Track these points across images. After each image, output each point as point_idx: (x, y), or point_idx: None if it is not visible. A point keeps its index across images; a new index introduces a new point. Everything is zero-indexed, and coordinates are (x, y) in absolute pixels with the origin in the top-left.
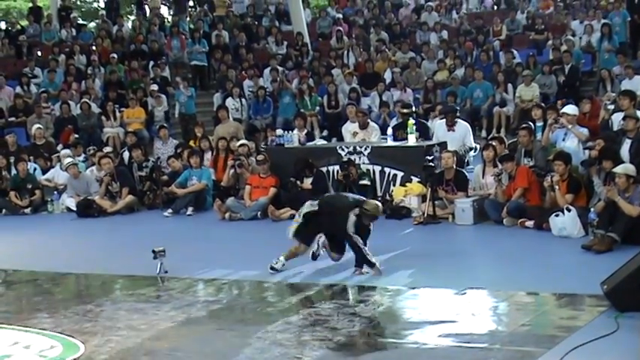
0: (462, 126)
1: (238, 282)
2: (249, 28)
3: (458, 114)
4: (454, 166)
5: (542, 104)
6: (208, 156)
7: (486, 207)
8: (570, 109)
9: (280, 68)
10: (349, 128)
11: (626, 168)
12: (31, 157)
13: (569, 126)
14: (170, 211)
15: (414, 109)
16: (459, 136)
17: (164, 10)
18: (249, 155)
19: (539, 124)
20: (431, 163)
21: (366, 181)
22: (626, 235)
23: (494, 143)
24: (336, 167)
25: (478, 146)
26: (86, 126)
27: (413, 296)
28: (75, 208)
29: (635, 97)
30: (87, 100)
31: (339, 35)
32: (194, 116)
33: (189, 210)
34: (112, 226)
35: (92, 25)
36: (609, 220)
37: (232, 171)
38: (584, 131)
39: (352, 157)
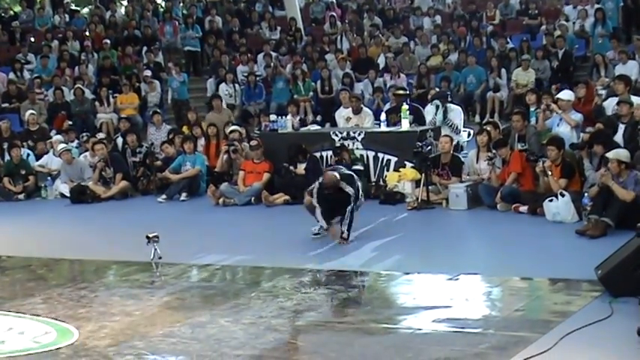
0: (454, 110)
1: (232, 267)
2: (243, 14)
3: (450, 99)
4: (451, 151)
5: (537, 89)
6: (202, 142)
7: (480, 192)
8: (565, 94)
9: (274, 54)
10: (342, 114)
11: (617, 153)
12: (25, 144)
13: (560, 111)
14: (164, 196)
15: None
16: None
17: None
18: (241, 141)
19: (533, 109)
20: (421, 149)
21: (359, 167)
22: (619, 220)
23: (488, 128)
24: (330, 152)
25: (472, 131)
26: (80, 112)
27: (407, 281)
28: (68, 194)
29: (630, 82)
30: (80, 86)
31: (332, 20)
32: (187, 102)
33: (183, 195)
34: (106, 212)
35: (85, 10)
36: (603, 205)
37: (226, 156)
38: (578, 117)
39: (346, 143)
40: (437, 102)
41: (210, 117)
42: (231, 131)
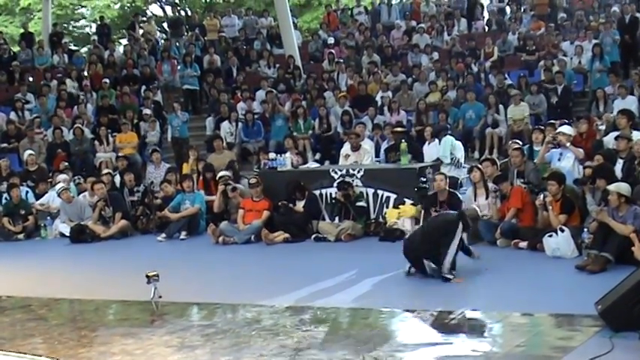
0: (456, 145)
1: (233, 306)
2: (241, 52)
3: (450, 132)
4: (447, 188)
5: (542, 127)
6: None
7: (480, 228)
8: (566, 129)
9: (273, 91)
10: (342, 151)
11: (618, 186)
12: (24, 183)
13: (568, 144)
14: (163, 235)
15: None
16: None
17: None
18: (236, 180)
19: (537, 148)
20: (424, 185)
21: (362, 203)
22: (619, 254)
23: (480, 165)
24: (329, 190)
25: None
26: (79, 151)
27: (407, 318)
28: (68, 234)
29: (634, 116)
30: (80, 126)
31: (330, 58)
32: (187, 140)
33: (183, 234)
34: (106, 251)
35: (84, 50)
36: (603, 239)
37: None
38: (580, 151)
39: (345, 180)
40: (444, 138)
41: (211, 158)
42: (220, 177)
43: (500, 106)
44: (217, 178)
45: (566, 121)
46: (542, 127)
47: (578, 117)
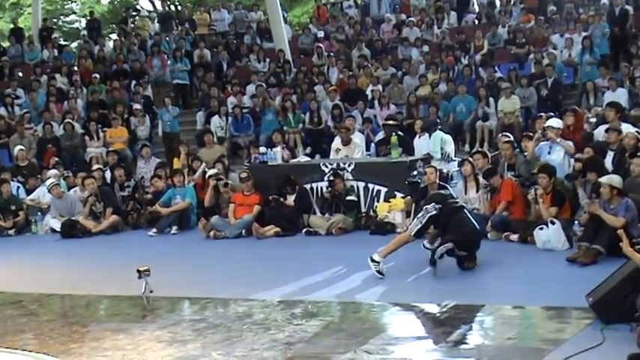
0: (446, 139)
1: (224, 300)
2: (231, 46)
3: (439, 127)
4: (437, 181)
5: (530, 134)
6: (195, 176)
7: None
8: (554, 122)
9: (263, 85)
10: (334, 145)
11: (610, 179)
12: (15, 179)
13: (558, 140)
14: (154, 230)
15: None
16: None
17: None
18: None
19: (526, 152)
20: (416, 179)
21: (352, 197)
22: (610, 246)
23: (470, 158)
24: (320, 184)
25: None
26: (69, 146)
27: (398, 312)
28: (59, 229)
29: (622, 109)
30: (70, 121)
31: (319, 51)
32: (178, 135)
33: (174, 229)
34: (97, 247)
35: (74, 45)
36: (594, 232)
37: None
38: (570, 144)
39: (337, 173)
40: (434, 133)
41: (202, 152)
42: (210, 176)
43: (491, 99)
44: (207, 176)
45: (553, 114)
46: (531, 135)
47: (566, 110)
